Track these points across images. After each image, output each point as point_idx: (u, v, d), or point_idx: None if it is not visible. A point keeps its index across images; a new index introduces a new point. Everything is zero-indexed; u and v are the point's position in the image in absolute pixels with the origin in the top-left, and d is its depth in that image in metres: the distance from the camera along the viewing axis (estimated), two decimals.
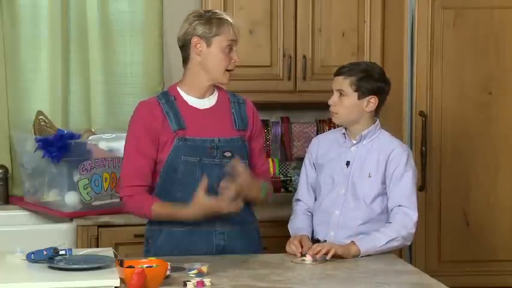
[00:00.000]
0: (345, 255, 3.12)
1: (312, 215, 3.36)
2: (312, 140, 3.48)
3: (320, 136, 3.52)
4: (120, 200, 3.21)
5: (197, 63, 3.17)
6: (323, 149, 3.37)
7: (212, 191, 3.08)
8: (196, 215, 3.06)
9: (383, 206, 3.25)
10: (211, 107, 3.22)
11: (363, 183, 3.25)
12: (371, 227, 3.22)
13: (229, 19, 3.16)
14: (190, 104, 3.19)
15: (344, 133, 3.32)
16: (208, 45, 3.14)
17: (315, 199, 3.38)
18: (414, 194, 3.26)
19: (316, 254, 3.08)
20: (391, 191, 3.24)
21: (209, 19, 3.14)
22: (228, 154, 3.16)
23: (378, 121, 3.32)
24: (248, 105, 3.31)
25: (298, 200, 3.42)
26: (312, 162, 3.39)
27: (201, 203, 3.02)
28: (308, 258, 3.09)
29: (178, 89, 3.22)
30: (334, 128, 3.97)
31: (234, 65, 3.18)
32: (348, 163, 3.28)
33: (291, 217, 3.40)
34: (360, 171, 3.26)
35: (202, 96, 3.21)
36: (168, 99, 3.18)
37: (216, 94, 3.25)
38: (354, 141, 3.30)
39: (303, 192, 3.41)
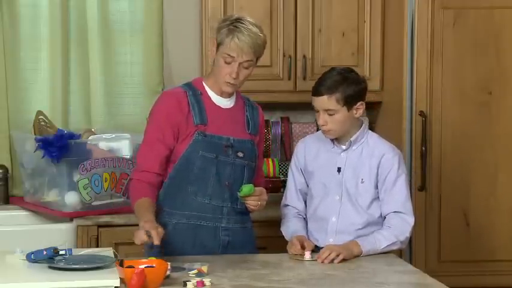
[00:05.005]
0: (348, 257, 3.12)
1: (304, 218, 3.34)
2: (298, 143, 3.41)
3: (307, 139, 3.41)
4: (130, 180, 3.23)
5: (214, 63, 3.22)
6: (311, 155, 3.32)
7: (223, 188, 3.19)
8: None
9: (380, 210, 3.24)
10: (230, 108, 3.27)
11: (357, 189, 3.23)
12: (370, 230, 3.22)
13: (241, 35, 3.10)
14: (214, 101, 3.24)
15: (332, 139, 3.28)
16: (217, 50, 3.17)
17: (305, 204, 3.36)
18: (409, 199, 3.25)
19: (325, 259, 3.06)
20: (385, 196, 3.22)
21: (226, 26, 3.14)
22: (240, 154, 3.23)
23: (363, 123, 3.26)
24: (260, 112, 3.39)
25: (287, 205, 3.38)
26: (300, 168, 3.35)
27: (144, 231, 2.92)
28: (307, 256, 3.09)
29: (204, 84, 3.26)
30: None
31: (231, 78, 3.13)
32: (339, 169, 3.27)
33: (283, 221, 3.37)
34: (353, 177, 3.23)
35: (223, 94, 3.24)
36: (195, 92, 3.22)
37: (235, 95, 3.30)
38: (343, 147, 3.26)
39: (292, 197, 3.37)
